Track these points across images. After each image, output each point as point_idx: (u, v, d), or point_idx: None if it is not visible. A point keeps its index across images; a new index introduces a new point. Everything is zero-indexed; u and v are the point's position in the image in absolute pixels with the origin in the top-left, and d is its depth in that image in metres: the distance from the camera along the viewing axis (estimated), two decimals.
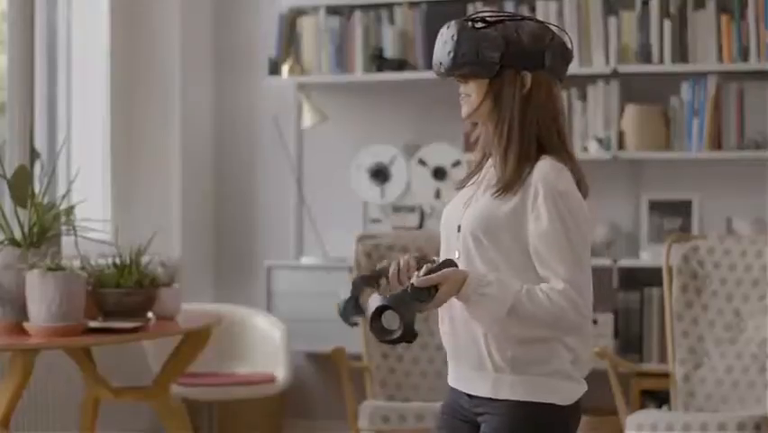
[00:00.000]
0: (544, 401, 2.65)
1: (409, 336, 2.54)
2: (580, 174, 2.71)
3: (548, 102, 2.69)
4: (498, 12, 2.76)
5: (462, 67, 2.66)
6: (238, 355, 5.83)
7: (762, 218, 5.55)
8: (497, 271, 2.63)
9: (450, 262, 2.62)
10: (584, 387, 2.73)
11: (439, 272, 2.57)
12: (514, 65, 2.66)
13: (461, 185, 2.81)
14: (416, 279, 2.56)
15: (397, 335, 2.54)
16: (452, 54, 2.66)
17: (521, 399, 2.65)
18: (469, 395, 2.73)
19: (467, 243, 2.68)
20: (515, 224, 2.64)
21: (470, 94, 2.70)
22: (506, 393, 2.66)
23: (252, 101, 6.32)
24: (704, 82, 5.54)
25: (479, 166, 2.79)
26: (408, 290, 2.55)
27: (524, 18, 2.72)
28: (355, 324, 2.69)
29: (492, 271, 2.62)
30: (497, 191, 2.66)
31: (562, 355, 2.67)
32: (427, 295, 2.56)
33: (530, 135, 2.67)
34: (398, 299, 2.54)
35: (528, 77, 2.67)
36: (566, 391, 2.68)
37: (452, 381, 2.79)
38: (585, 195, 2.71)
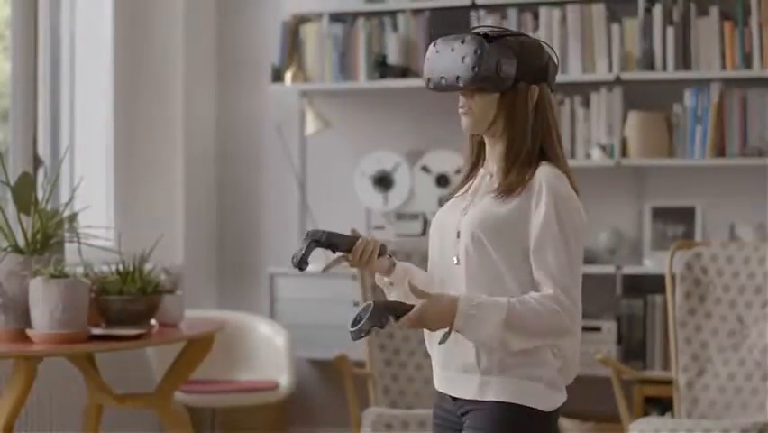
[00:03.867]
0: (527, 405, 2.71)
1: (376, 319, 2.64)
2: (574, 181, 2.79)
3: (550, 112, 2.78)
4: (496, 27, 2.84)
5: (484, 80, 2.72)
6: (241, 362, 5.83)
7: (765, 225, 5.54)
8: (498, 273, 2.70)
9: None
10: (565, 396, 2.78)
11: (418, 312, 2.66)
12: (525, 79, 2.75)
13: (450, 196, 2.89)
14: (401, 320, 2.67)
15: (364, 321, 2.64)
16: (476, 69, 2.70)
17: (506, 400, 2.71)
18: (453, 398, 2.80)
19: (467, 248, 2.73)
20: (516, 223, 2.71)
21: (473, 108, 2.76)
22: (491, 395, 2.72)
23: (255, 108, 6.32)
24: (707, 89, 5.54)
25: (468, 177, 2.88)
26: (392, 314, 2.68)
27: (519, 34, 2.81)
28: (304, 264, 2.80)
29: (491, 273, 2.70)
30: (498, 194, 2.73)
31: (549, 362, 2.73)
32: (401, 311, 2.67)
33: (536, 145, 2.76)
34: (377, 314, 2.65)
35: (536, 90, 2.76)
36: (549, 398, 2.74)
37: (439, 384, 2.85)
38: None
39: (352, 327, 2.64)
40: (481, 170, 2.85)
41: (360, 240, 2.81)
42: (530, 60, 2.75)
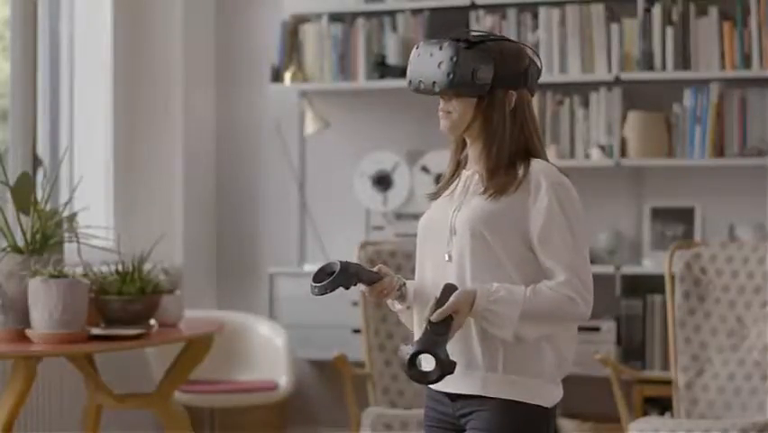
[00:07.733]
0: (530, 402, 2.74)
1: (448, 369, 2.65)
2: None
3: (530, 115, 2.82)
4: (480, 32, 2.86)
5: (459, 87, 2.76)
6: (240, 362, 5.83)
7: (764, 225, 5.54)
8: (501, 267, 2.73)
9: (451, 287, 2.70)
10: (562, 391, 2.82)
11: (450, 302, 2.67)
12: (502, 85, 2.78)
13: (435, 196, 2.92)
14: (434, 316, 2.65)
15: (437, 374, 2.64)
16: (451, 75, 2.75)
17: (509, 398, 2.73)
18: (452, 397, 2.80)
19: (464, 244, 2.75)
20: (515, 216, 2.74)
21: (452, 111, 2.82)
22: (495, 392, 2.74)
23: (255, 108, 6.32)
24: (706, 89, 5.54)
25: (453, 177, 2.91)
26: (429, 328, 2.66)
27: (501, 38, 2.85)
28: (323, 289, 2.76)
29: (494, 268, 2.72)
30: (489, 195, 2.76)
31: (548, 357, 2.76)
32: (446, 326, 2.66)
33: (518, 147, 2.80)
34: (427, 341, 2.65)
35: (514, 96, 2.80)
36: (550, 394, 2.78)
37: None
38: None
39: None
40: (465, 171, 2.88)
41: (385, 279, 2.82)
42: (508, 66, 2.78)
